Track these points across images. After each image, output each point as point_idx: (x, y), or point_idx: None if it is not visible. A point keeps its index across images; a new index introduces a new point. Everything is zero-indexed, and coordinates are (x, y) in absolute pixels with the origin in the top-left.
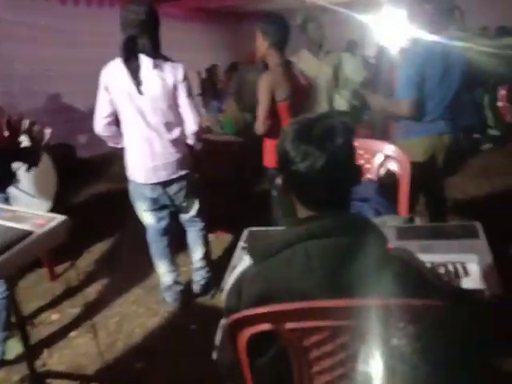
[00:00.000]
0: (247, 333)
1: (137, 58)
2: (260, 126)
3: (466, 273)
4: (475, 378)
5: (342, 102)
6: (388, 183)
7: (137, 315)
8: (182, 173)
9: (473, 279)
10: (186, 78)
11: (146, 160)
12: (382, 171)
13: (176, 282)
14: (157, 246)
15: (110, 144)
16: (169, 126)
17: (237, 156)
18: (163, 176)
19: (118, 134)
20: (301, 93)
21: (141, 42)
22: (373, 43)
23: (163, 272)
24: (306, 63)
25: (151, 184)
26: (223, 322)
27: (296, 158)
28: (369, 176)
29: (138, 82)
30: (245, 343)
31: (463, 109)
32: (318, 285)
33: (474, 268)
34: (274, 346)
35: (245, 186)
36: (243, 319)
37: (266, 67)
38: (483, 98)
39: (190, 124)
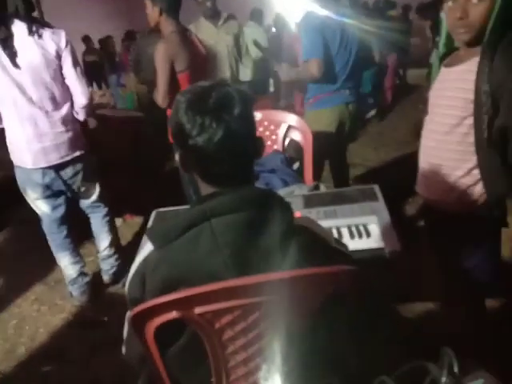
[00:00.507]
0: (154, 324)
1: (7, 24)
2: (161, 99)
3: (368, 233)
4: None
5: (246, 72)
6: (293, 153)
7: (40, 314)
8: (77, 154)
9: (374, 239)
10: (69, 45)
11: (32, 141)
12: (287, 142)
13: (81, 274)
14: (55, 236)
15: None
16: (55, 102)
17: (138, 133)
18: (54, 159)
19: None
20: (201, 62)
21: (11, 1)
22: (272, 12)
23: (66, 264)
24: (204, 32)
25: (41, 168)
26: (128, 314)
27: (192, 131)
28: (275, 147)
29: (11, 51)
30: (152, 335)
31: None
32: (226, 263)
33: (374, 228)
34: (185, 331)
35: (149, 165)
36: (148, 310)
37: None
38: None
39: (78, 97)
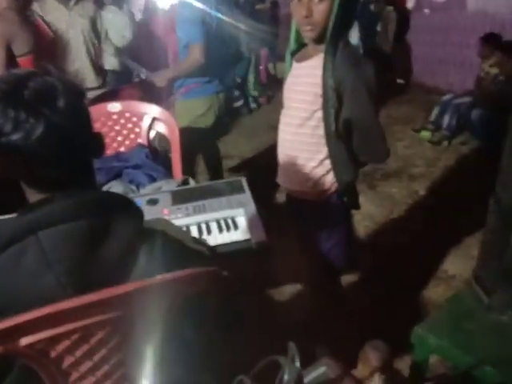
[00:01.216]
0: None
1: None
2: None
3: (236, 226)
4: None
5: (110, 60)
6: (159, 147)
7: None
8: None
9: (241, 231)
10: None
11: None
12: (152, 135)
13: None
14: None
15: None
16: None
17: None
18: None
19: None
20: (47, 46)
21: None
22: None
23: None
24: (53, 13)
25: None
26: None
27: (5, 127)
28: (139, 141)
29: None
30: None
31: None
32: (60, 282)
33: (241, 220)
34: (14, 365)
35: None
36: None
37: None
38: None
39: None
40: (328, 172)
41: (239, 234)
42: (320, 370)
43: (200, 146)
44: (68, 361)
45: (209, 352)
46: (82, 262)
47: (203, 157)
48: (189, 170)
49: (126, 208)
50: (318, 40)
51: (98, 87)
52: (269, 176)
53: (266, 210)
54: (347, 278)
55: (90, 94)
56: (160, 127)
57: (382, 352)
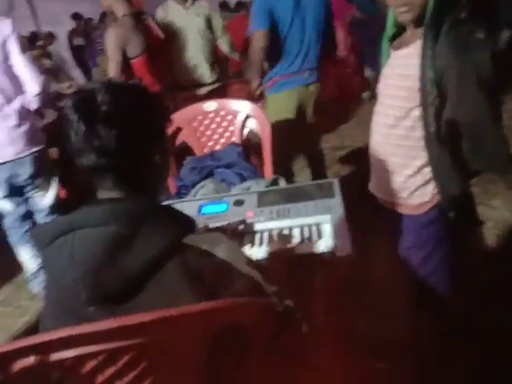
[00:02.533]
0: (14, 368)
1: None
2: None
3: (320, 235)
4: None
5: (227, 48)
6: (252, 145)
7: (3, 316)
8: (34, 150)
9: (325, 241)
10: (15, 34)
11: None
12: (245, 132)
13: None
14: (15, 231)
15: None
16: (5, 95)
17: None
18: (10, 154)
19: None
20: (158, 47)
21: None
22: None
23: (26, 258)
24: (172, 14)
25: None
26: None
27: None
28: (233, 139)
29: None
30: (16, 379)
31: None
32: (77, 283)
33: (327, 228)
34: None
35: None
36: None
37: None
38: None
39: (29, 85)
40: (428, 182)
41: (322, 245)
42: None
43: (291, 141)
44: (99, 379)
45: None
46: (100, 268)
47: (303, 153)
48: (283, 168)
49: (165, 221)
50: (418, 23)
51: (213, 82)
52: None
53: (366, 215)
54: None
55: (205, 90)
56: (252, 124)
57: None
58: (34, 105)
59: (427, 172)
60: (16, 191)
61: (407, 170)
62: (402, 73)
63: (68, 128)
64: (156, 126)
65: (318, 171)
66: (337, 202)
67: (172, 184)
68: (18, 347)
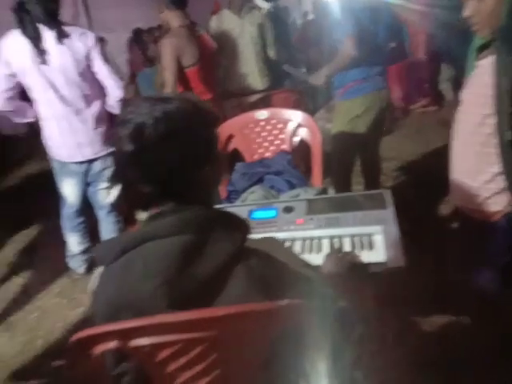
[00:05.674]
0: (95, 351)
1: (35, 28)
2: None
3: (371, 245)
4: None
5: (274, 56)
6: (302, 153)
7: (59, 307)
8: (109, 150)
9: (376, 252)
10: (97, 43)
11: (67, 137)
12: (296, 141)
13: (83, 253)
14: (72, 221)
15: (16, 120)
16: (86, 100)
17: None
18: (88, 153)
19: (24, 109)
20: (210, 57)
21: (32, 8)
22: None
23: (72, 242)
24: (228, 23)
25: (76, 162)
26: None
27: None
28: (283, 147)
29: (43, 54)
30: (96, 360)
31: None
32: (155, 292)
33: (378, 239)
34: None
35: None
36: (84, 339)
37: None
38: None
39: (113, 90)
40: (502, 190)
41: (373, 255)
42: None
43: (356, 150)
44: (172, 366)
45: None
46: (176, 275)
47: (360, 162)
48: (344, 177)
49: (228, 227)
50: (494, 36)
51: (263, 91)
52: (432, 184)
53: (417, 224)
54: None
55: (253, 98)
56: (303, 133)
57: None
58: (116, 109)
59: (502, 180)
60: (83, 186)
61: (483, 176)
62: (481, 80)
63: (123, 158)
64: (207, 143)
65: (373, 182)
66: (389, 214)
67: (223, 189)
68: (102, 331)
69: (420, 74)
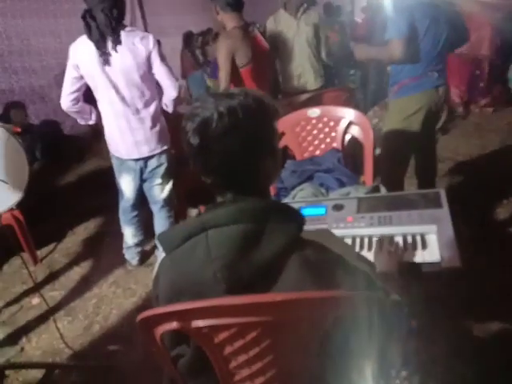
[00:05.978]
0: (158, 331)
1: (100, 32)
2: None
3: (424, 245)
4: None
5: (326, 57)
6: (354, 151)
7: (115, 296)
8: (163, 148)
9: (430, 251)
10: (156, 46)
11: (125, 135)
12: (347, 138)
13: (137, 245)
14: (128, 215)
15: (80, 121)
16: (144, 100)
17: None
18: (145, 151)
19: (88, 110)
20: (263, 57)
21: (98, 15)
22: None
23: (127, 234)
24: (284, 23)
25: (134, 159)
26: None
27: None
28: (334, 145)
29: (106, 57)
30: (159, 340)
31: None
32: (216, 276)
33: (432, 239)
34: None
35: None
36: (150, 318)
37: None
38: None
39: (169, 90)
40: None
41: (427, 255)
42: None
43: (410, 149)
44: (228, 350)
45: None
46: (236, 261)
47: (414, 162)
48: (397, 177)
49: (284, 218)
50: None
51: (316, 90)
52: (489, 186)
53: (474, 228)
54: None
55: (304, 97)
56: (355, 131)
57: None
58: (170, 107)
59: None
60: (139, 182)
61: None
62: None
63: (190, 150)
64: (268, 136)
65: (428, 183)
66: (444, 213)
67: (272, 186)
68: (163, 311)
69: (482, 72)
